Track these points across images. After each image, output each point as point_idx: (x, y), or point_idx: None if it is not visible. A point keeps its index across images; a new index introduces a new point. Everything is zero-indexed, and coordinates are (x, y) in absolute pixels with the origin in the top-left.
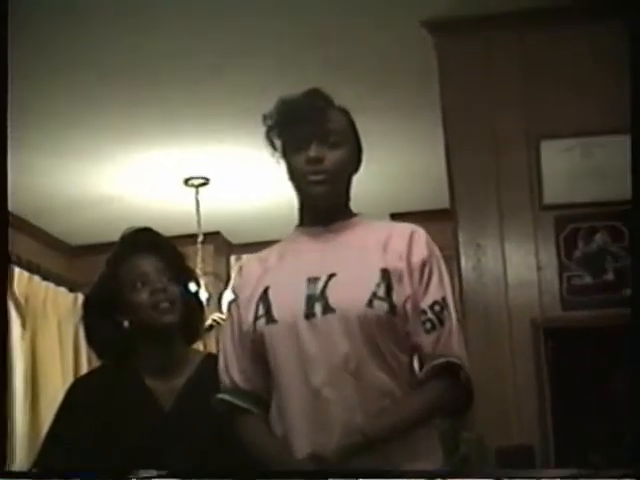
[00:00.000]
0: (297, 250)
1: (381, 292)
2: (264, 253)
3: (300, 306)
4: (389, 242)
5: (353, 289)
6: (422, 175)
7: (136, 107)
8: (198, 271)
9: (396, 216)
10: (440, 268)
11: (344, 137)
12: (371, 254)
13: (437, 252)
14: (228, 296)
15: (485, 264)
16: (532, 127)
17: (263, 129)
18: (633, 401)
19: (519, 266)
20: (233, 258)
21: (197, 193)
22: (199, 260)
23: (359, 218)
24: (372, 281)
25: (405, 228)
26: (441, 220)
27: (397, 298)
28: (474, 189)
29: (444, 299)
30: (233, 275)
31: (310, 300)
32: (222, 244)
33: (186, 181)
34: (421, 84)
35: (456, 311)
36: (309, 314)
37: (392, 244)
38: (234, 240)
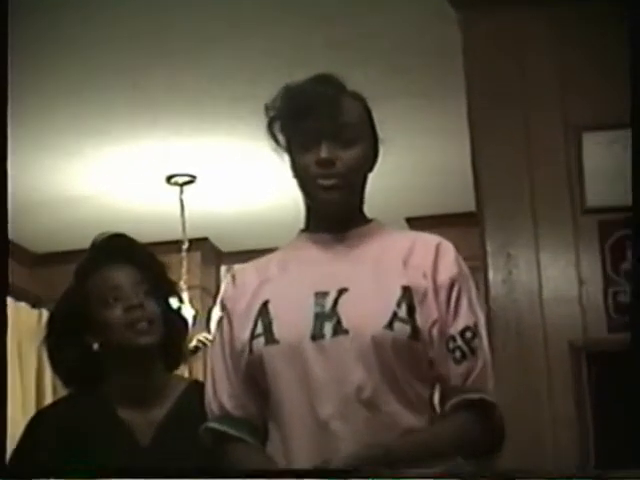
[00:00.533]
0: (302, 259)
1: (402, 313)
2: (262, 261)
3: (307, 324)
4: (411, 255)
5: (370, 307)
6: (442, 173)
7: (108, 94)
8: (182, 284)
9: (412, 221)
10: (470, 289)
11: (359, 131)
12: (390, 268)
13: (466, 270)
14: (218, 313)
15: (517, 277)
16: (572, 117)
17: (263, 119)
18: None
19: (557, 280)
20: (223, 269)
21: (181, 192)
22: (183, 271)
23: (375, 225)
24: (392, 299)
25: (430, 240)
26: (465, 225)
27: (421, 321)
28: (504, 189)
29: (476, 325)
30: (223, 284)
31: (318, 318)
32: (210, 252)
33: (168, 179)
34: (442, 67)
35: (488, 339)
36: (317, 334)
37: (415, 258)
38: (224, 248)
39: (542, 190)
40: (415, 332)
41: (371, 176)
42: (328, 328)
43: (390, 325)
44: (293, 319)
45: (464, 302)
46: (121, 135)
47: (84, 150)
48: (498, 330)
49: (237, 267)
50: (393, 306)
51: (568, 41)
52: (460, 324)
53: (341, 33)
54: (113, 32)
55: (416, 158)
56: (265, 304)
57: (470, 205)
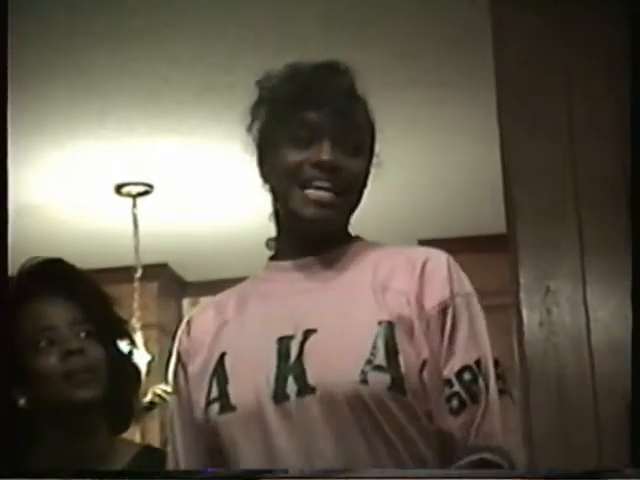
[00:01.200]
0: (265, 293)
1: (379, 358)
2: (222, 297)
3: (267, 383)
4: (393, 278)
5: (338, 354)
6: (464, 183)
7: (44, 81)
8: (134, 322)
9: (426, 244)
10: (472, 313)
11: (366, 139)
12: (365, 298)
13: (466, 289)
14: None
15: (558, 317)
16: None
17: (240, 113)
18: None
19: (608, 321)
20: (186, 302)
21: (134, 206)
22: (136, 306)
23: (359, 244)
24: (366, 341)
25: (417, 255)
26: (493, 251)
27: (407, 365)
28: (543, 206)
29: (479, 362)
30: (178, 333)
31: (281, 372)
32: (171, 282)
33: (118, 189)
34: (467, 54)
35: (500, 378)
36: (279, 395)
37: (397, 281)
38: (188, 276)
39: (590, 205)
40: (397, 382)
41: (374, 186)
42: (292, 386)
43: (363, 378)
44: (251, 377)
45: (461, 333)
46: (60, 134)
47: (12, 155)
48: (534, 385)
49: (195, 310)
50: (367, 351)
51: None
52: (457, 363)
53: (337, 11)
54: (45, 6)
55: (431, 165)
56: (222, 358)
57: (499, 226)
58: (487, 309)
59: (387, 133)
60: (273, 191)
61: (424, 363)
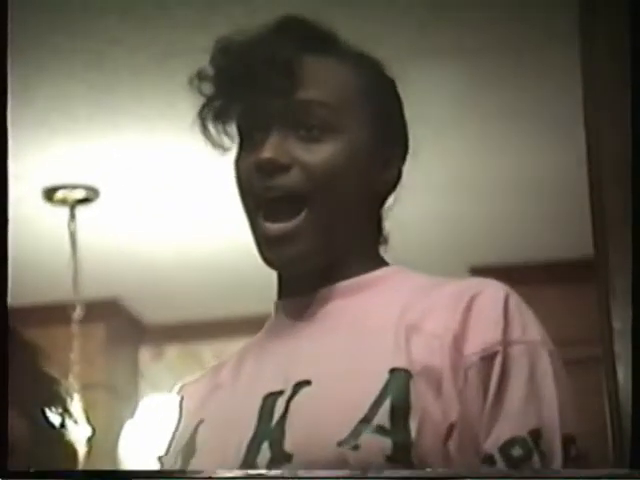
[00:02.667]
0: (263, 345)
1: (382, 416)
2: (223, 361)
3: (236, 453)
4: (428, 316)
5: (327, 412)
6: (534, 187)
7: None
8: (72, 380)
9: (480, 274)
10: (535, 366)
11: (345, 118)
12: (383, 339)
13: (532, 334)
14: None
15: None
16: None
17: (196, 100)
18: None
19: None
20: (146, 353)
21: (72, 219)
22: (75, 357)
23: (388, 272)
24: (366, 393)
25: (464, 287)
26: (574, 282)
27: (421, 428)
28: None
29: (536, 433)
30: (175, 405)
31: (256, 439)
32: (123, 324)
33: (49, 194)
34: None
35: (572, 459)
36: (248, 464)
37: (432, 320)
38: (147, 316)
39: None
40: (401, 449)
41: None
42: (265, 454)
43: (354, 441)
44: (222, 446)
45: (514, 392)
46: None
47: None
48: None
49: (187, 381)
50: (366, 406)
51: None
52: (504, 432)
53: None
54: None
55: (484, 166)
56: (197, 428)
57: (584, 248)
58: (565, 362)
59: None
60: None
61: (452, 427)
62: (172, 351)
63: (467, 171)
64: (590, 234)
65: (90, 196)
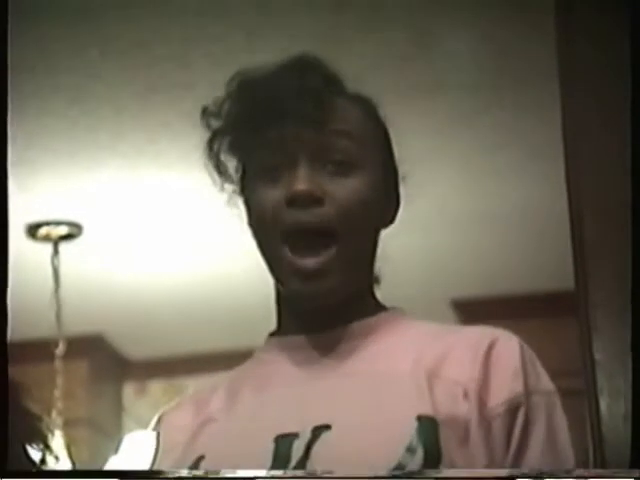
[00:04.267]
0: (263, 380)
1: (415, 464)
2: (204, 389)
3: None
4: (444, 363)
5: (357, 458)
6: (513, 220)
7: None
8: (55, 416)
9: (462, 306)
10: (552, 417)
11: (363, 151)
12: (403, 385)
13: (547, 384)
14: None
15: None
16: None
17: (201, 134)
18: None
19: None
20: (129, 388)
21: (55, 254)
22: (58, 394)
23: (389, 316)
24: (399, 440)
25: (478, 336)
26: (555, 316)
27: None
28: (623, 257)
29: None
30: (152, 437)
31: None
32: (106, 360)
33: (32, 230)
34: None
35: None
36: None
37: (450, 367)
38: (131, 352)
39: None
40: None
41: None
42: None
43: None
44: None
45: (535, 443)
46: None
47: None
48: None
49: (169, 406)
50: (398, 453)
51: None
52: None
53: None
54: None
55: (465, 198)
56: (197, 463)
57: (565, 281)
58: None
59: (405, 151)
60: (259, 248)
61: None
62: (156, 386)
63: (448, 204)
64: (571, 266)
65: (73, 232)
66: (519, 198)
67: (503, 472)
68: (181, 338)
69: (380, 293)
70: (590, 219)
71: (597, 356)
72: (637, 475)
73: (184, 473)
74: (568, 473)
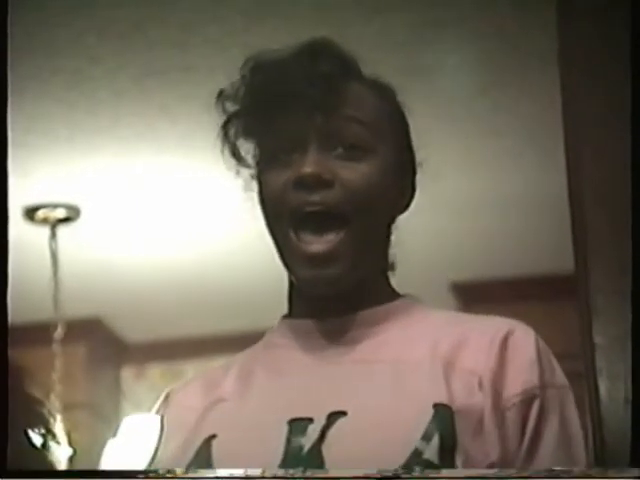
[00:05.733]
0: (277, 364)
1: (431, 452)
2: (216, 369)
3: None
4: (460, 353)
5: (374, 444)
6: (513, 204)
7: None
8: (53, 400)
9: (462, 289)
10: (566, 411)
11: (377, 137)
12: (419, 374)
13: (562, 378)
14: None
15: None
16: None
17: (209, 110)
18: None
19: None
20: (129, 373)
21: (53, 237)
22: (56, 377)
23: (404, 303)
24: (416, 427)
25: (493, 327)
26: (555, 299)
27: (464, 465)
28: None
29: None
30: (156, 414)
31: (287, 464)
32: (105, 343)
33: (30, 213)
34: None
35: None
36: None
37: (465, 358)
38: (130, 335)
39: None
40: None
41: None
42: None
43: (405, 472)
44: (246, 466)
45: (549, 436)
46: None
47: None
48: None
49: (178, 384)
50: (415, 439)
51: None
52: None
53: None
54: None
55: (467, 182)
56: (208, 442)
57: (565, 264)
58: None
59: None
60: (271, 234)
61: (491, 467)
62: (154, 370)
63: (449, 188)
64: (571, 249)
65: (71, 215)
66: (520, 181)
67: (504, 473)
68: (179, 321)
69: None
70: (590, 202)
71: (597, 339)
72: (637, 475)
73: (178, 472)
74: (567, 473)
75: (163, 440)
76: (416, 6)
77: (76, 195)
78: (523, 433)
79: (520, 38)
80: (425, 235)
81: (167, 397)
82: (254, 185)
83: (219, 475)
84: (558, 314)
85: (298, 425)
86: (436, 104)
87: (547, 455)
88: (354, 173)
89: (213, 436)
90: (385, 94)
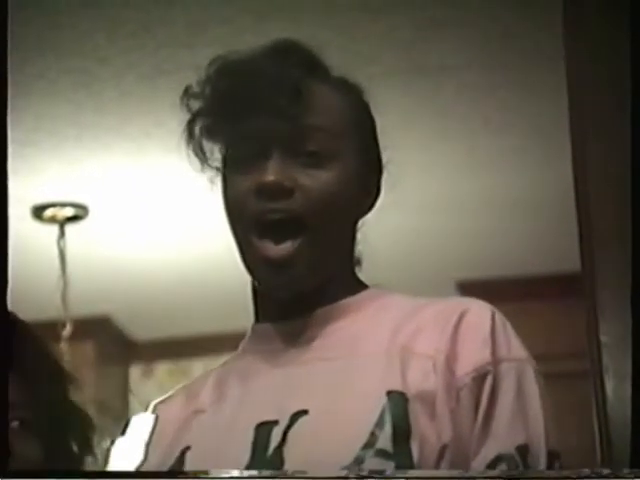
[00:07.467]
0: (246, 370)
1: (384, 440)
2: (198, 380)
3: None
4: (417, 338)
5: (328, 439)
6: (518, 201)
7: None
8: None
9: (468, 289)
10: (522, 384)
11: (341, 143)
12: (376, 364)
13: (518, 352)
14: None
15: None
16: None
17: (183, 117)
18: None
19: None
20: (136, 369)
21: (61, 236)
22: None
23: (372, 295)
24: (369, 417)
25: (451, 306)
26: (561, 297)
27: (421, 451)
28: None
29: (524, 449)
30: (143, 425)
31: (253, 469)
32: (113, 341)
33: (38, 212)
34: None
35: (552, 467)
36: None
37: (422, 341)
38: (138, 333)
39: None
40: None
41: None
42: None
43: (358, 463)
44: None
45: (502, 410)
46: None
47: None
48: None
49: (162, 398)
50: (367, 430)
51: None
52: (490, 450)
53: None
54: None
55: (469, 181)
56: (183, 454)
57: (571, 263)
58: (553, 377)
59: (407, 135)
60: (234, 236)
61: (444, 449)
62: (162, 368)
63: (453, 186)
64: (577, 249)
65: (79, 214)
66: (526, 180)
67: (495, 472)
68: (187, 319)
69: (385, 276)
70: (596, 201)
71: (603, 338)
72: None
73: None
74: (568, 475)
75: (150, 448)
76: (418, 5)
77: (84, 194)
78: (476, 412)
79: (527, 37)
80: (431, 235)
81: (153, 410)
82: (218, 183)
83: (234, 475)
84: (564, 313)
85: (264, 429)
86: (438, 105)
87: (501, 431)
88: (316, 181)
89: (187, 448)
90: (351, 94)
